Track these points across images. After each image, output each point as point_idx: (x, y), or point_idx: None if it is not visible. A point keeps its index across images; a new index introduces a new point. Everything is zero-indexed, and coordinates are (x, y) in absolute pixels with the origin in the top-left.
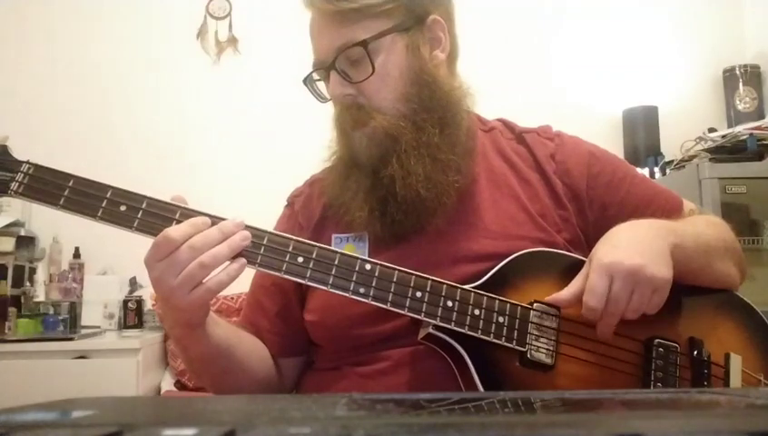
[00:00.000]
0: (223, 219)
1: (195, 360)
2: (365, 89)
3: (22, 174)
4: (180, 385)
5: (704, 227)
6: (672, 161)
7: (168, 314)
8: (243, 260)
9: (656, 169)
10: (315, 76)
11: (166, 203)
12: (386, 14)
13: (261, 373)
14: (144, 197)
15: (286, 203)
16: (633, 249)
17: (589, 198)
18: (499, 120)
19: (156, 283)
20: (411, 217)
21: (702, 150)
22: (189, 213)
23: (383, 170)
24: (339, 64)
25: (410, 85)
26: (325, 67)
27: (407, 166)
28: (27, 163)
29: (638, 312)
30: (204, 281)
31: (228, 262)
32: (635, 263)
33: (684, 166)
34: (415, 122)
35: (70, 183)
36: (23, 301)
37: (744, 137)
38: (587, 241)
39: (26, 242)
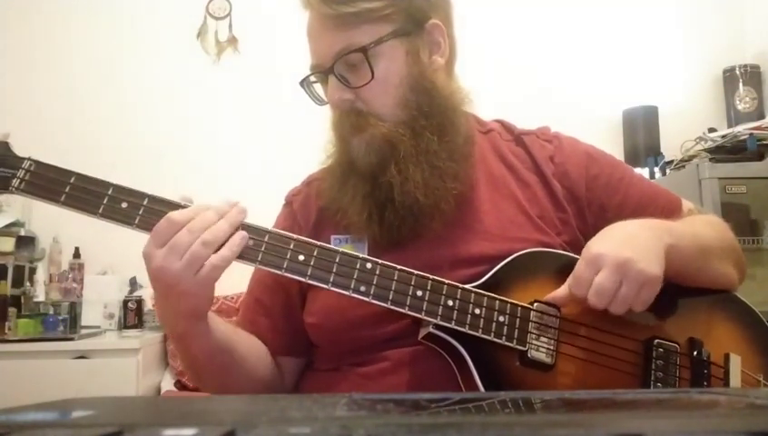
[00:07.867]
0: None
1: (198, 357)
2: (364, 94)
3: (23, 171)
4: (180, 385)
5: (702, 227)
6: (672, 161)
7: (171, 307)
8: (244, 232)
9: (656, 169)
10: (312, 79)
11: (168, 200)
12: (385, 19)
13: (261, 371)
14: (146, 194)
15: (284, 202)
16: (624, 243)
17: (588, 200)
18: (497, 121)
19: (159, 272)
20: (408, 222)
21: (702, 150)
22: None
23: (381, 176)
24: (337, 69)
25: (409, 92)
26: (323, 71)
27: (405, 173)
28: (29, 159)
29: (625, 306)
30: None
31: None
32: (623, 256)
33: (683, 166)
34: (413, 128)
35: (71, 180)
36: (23, 301)
37: (744, 137)
38: (587, 243)
39: (26, 242)
